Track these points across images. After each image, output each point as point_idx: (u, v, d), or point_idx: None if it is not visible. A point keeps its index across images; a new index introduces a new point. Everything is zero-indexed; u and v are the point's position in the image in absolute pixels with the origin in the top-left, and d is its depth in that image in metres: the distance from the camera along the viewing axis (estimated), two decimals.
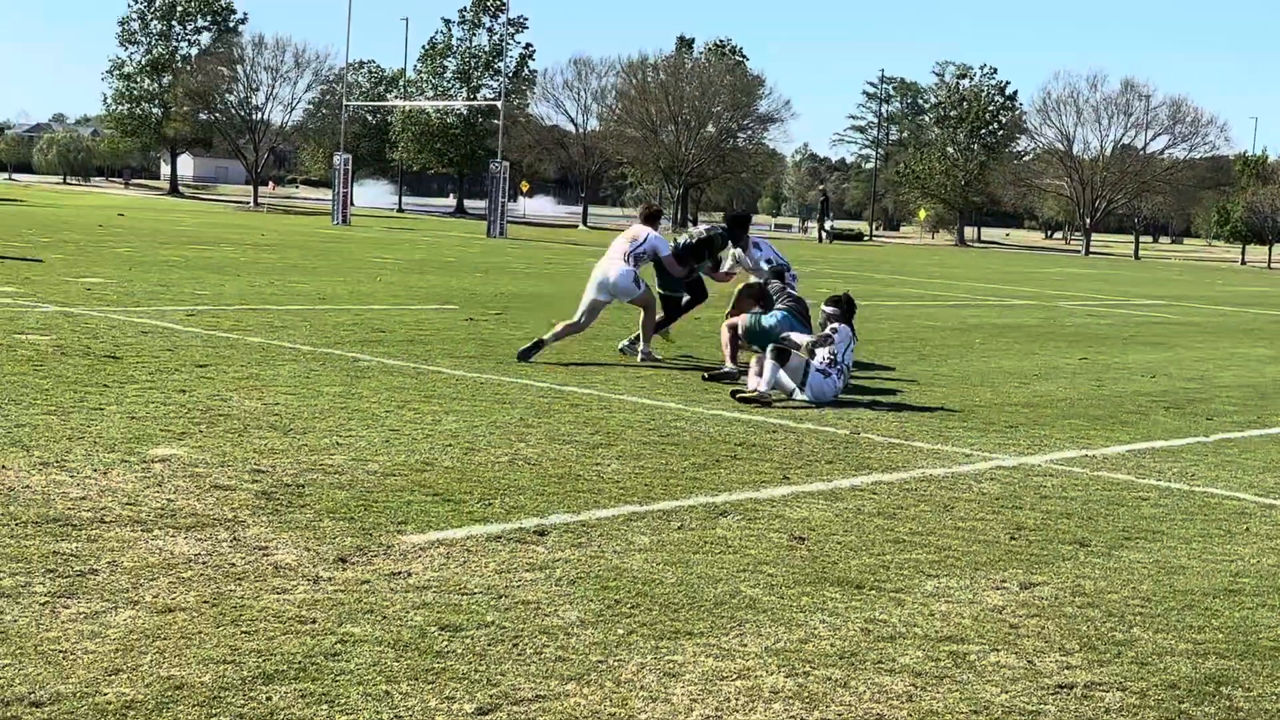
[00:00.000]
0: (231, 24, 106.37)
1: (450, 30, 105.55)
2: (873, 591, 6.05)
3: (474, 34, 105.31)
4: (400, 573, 5.87)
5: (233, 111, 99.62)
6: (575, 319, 14.13)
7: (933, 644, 5.38)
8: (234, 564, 5.86)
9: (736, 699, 4.69)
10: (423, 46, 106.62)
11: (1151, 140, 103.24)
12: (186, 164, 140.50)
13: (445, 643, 5.02)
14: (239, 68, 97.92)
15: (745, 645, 5.22)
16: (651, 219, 14.85)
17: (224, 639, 4.91)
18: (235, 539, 6.26)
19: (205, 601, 5.32)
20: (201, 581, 5.59)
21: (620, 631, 5.28)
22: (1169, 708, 4.88)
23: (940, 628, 5.59)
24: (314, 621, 5.16)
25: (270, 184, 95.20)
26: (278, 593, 5.49)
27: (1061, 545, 7.14)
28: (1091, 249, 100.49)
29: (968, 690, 4.91)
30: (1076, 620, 5.82)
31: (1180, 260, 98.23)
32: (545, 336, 13.70)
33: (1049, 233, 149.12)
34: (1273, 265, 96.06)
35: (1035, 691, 4.95)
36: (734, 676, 4.89)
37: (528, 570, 6.04)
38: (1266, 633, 5.81)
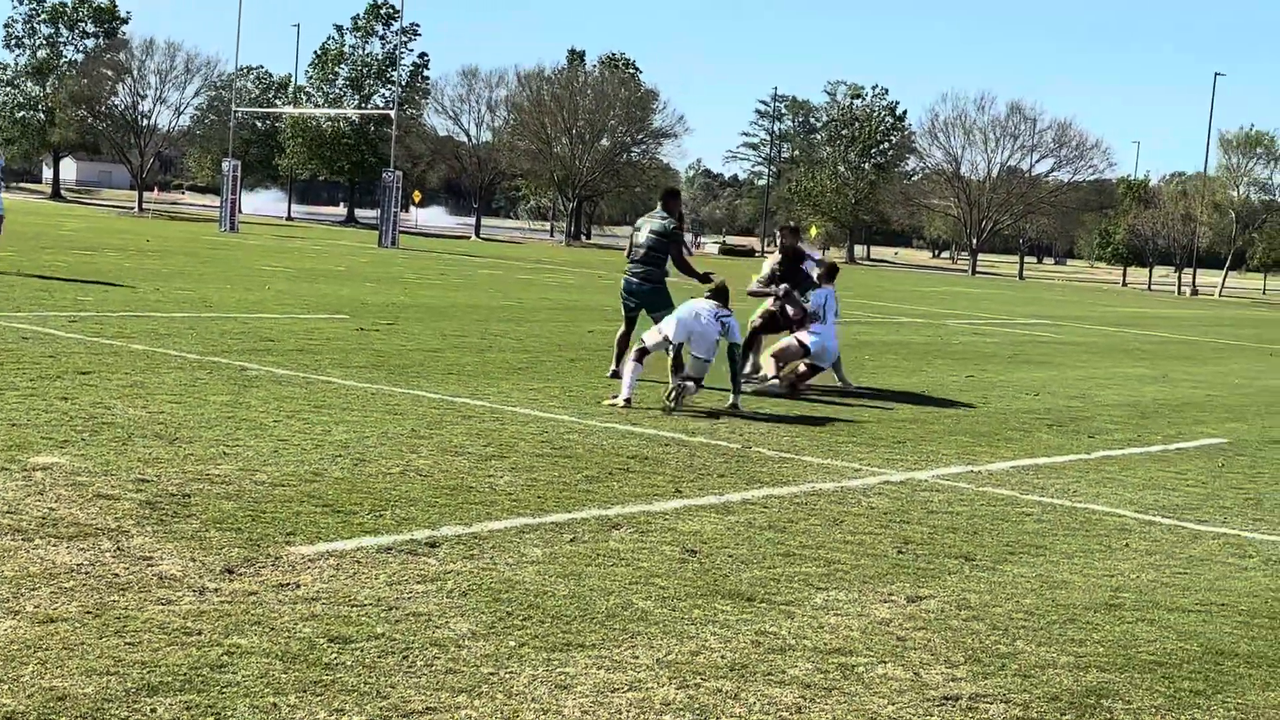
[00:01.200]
0: (116, 30, 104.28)
1: (342, 37, 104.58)
2: (763, 604, 6.10)
3: (367, 41, 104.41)
4: (288, 584, 5.80)
5: (118, 115, 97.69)
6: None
7: (822, 656, 5.44)
8: (117, 574, 5.76)
9: (628, 711, 4.70)
10: (314, 53, 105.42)
11: (1037, 163, 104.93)
12: (69, 168, 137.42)
13: (334, 655, 4.98)
14: (126, 76, 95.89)
15: (637, 657, 5.24)
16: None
17: (107, 650, 4.82)
18: (119, 549, 6.15)
19: (88, 612, 5.22)
20: (84, 592, 5.48)
21: (512, 644, 5.27)
22: (1051, 719, 4.98)
23: (829, 640, 5.65)
24: (200, 633, 5.09)
25: (155, 189, 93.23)
26: (162, 604, 5.40)
27: (947, 559, 7.25)
28: (978, 269, 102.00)
29: (855, 702, 4.97)
30: (962, 633, 5.92)
31: (1063, 281, 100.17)
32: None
33: (936, 252, 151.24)
34: (1153, 287, 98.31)
35: (921, 703, 5.02)
36: (625, 688, 4.90)
37: (419, 582, 6.00)
38: (1146, 646, 5.95)
